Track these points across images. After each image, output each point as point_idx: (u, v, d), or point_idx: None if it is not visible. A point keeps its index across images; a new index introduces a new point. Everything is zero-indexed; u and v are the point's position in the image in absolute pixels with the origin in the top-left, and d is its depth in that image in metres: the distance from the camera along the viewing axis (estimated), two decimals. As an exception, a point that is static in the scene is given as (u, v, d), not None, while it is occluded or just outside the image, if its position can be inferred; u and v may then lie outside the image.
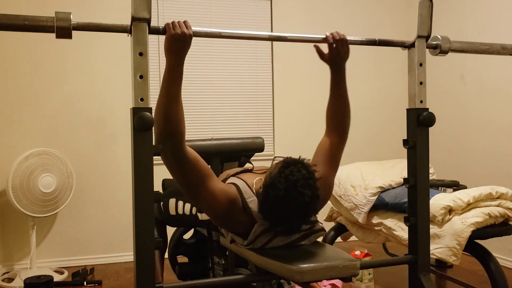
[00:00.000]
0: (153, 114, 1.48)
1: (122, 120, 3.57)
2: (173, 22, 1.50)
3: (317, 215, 1.68)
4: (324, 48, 1.80)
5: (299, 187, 1.45)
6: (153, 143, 1.49)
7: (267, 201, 1.49)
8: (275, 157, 1.72)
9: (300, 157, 1.55)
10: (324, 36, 1.76)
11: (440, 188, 2.61)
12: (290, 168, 1.48)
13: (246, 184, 1.66)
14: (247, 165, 2.17)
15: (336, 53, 1.76)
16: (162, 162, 1.55)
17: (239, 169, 1.88)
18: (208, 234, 2.15)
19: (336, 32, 1.75)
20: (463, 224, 2.24)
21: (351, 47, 1.80)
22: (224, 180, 1.76)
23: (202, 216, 1.99)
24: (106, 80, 3.56)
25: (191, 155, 1.54)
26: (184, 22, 1.51)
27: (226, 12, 3.82)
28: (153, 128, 1.48)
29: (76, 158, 3.45)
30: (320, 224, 1.69)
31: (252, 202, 1.60)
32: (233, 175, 1.78)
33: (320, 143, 1.83)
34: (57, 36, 1.46)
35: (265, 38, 1.77)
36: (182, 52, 1.50)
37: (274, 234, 1.60)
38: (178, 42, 1.48)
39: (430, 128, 1.89)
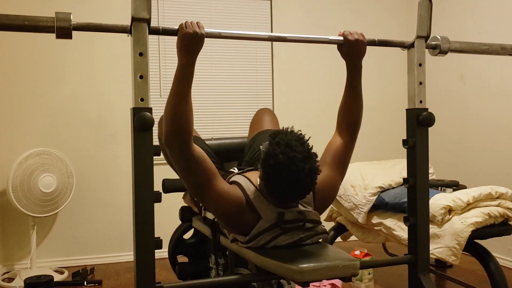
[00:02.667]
0: (153, 114, 1.48)
1: (122, 120, 3.57)
2: (186, 22, 1.53)
3: (319, 216, 1.68)
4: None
5: (294, 147, 1.51)
6: (153, 143, 1.50)
7: (270, 172, 1.52)
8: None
9: (283, 127, 1.62)
10: (341, 37, 1.74)
11: (439, 188, 2.61)
12: (279, 136, 1.55)
13: (249, 181, 1.67)
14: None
15: (354, 49, 1.75)
16: (162, 162, 1.55)
17: (246, 167, 1.89)
18: (213, 232, 2.14)
19: (356, 32, 1.75)
20: (463, 224, 2.24)
21: None
22: (229, 178, 1.77)
23: (208, 215, 2.00)
24: (106, 80, 3.56)
25: (198, 153, 1.55)
26: (197, 22, 1.54)
27: (226, 12, 3.82)
28: (162, 125, 1.47)
29: (76, 158, 3.45)
30: (322, 226, 1.69)
31: (256, 198, 1.61)
32: (238, 173, 1.79)
33: (330, 142, 1.82)
34: (57, 37, 1.46)
35: (265, 39, 1.76)
36: (193, 51, 1.53)
37: (277, 234, 1.60)
38: (190, 41, 1.51)
39: (429, 128, 1.89)
